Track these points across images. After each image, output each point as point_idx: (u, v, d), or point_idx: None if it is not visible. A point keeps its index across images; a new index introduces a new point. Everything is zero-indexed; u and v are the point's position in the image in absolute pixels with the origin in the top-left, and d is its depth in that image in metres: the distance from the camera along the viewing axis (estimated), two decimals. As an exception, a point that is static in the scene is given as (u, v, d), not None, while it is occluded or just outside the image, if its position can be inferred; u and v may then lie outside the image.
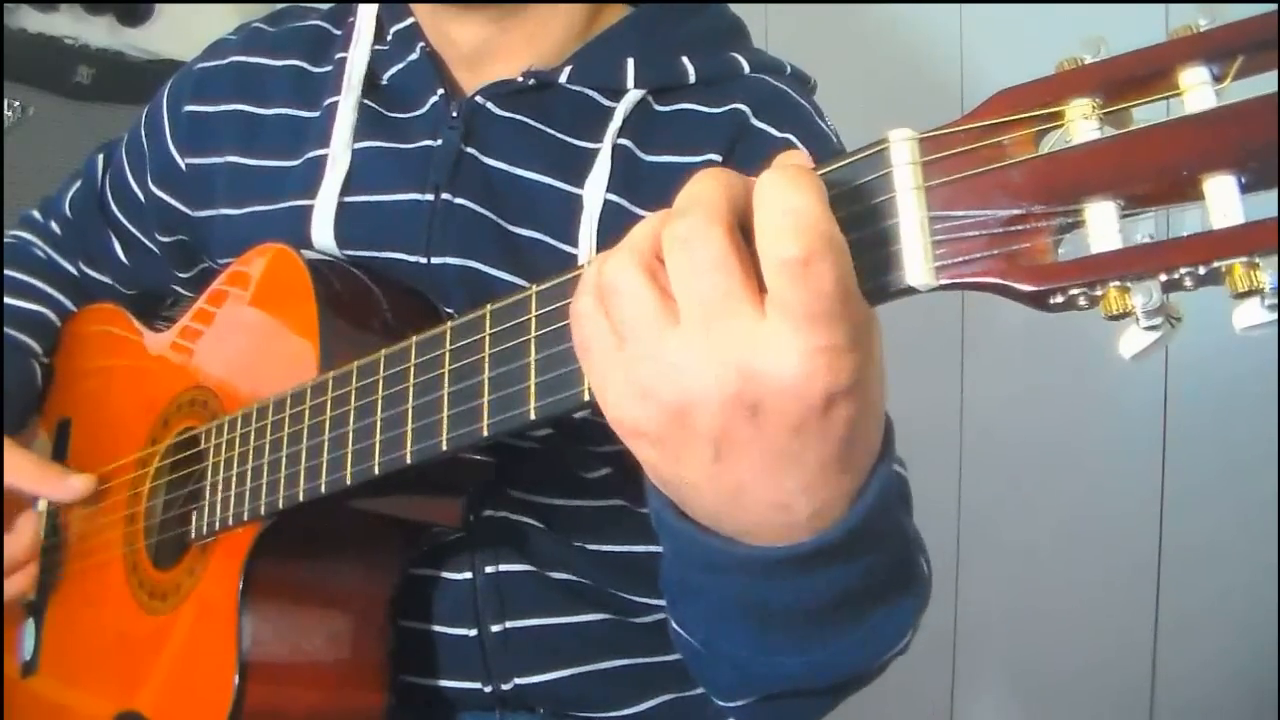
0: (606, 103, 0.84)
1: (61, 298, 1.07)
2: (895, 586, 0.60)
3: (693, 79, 0.85)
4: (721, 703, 0.71)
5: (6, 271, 1.06)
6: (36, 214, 1.12)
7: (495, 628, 0.83)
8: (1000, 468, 1.86)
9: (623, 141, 0.83)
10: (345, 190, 0.85)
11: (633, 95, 0.84)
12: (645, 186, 0.82)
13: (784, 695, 0.66)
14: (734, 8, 0.93)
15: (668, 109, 0.85)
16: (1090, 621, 1.82)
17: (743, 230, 0.46)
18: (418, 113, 0.87)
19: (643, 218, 0.80)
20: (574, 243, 0.81)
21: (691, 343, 0.46)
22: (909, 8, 1.99)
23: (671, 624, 0.68)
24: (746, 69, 0.87)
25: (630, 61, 0.85)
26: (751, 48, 0.90)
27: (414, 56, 0.88)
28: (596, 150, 0.83)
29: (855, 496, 0.51)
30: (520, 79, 0.85)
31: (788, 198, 0.44)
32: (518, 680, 0.83)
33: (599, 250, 0.80)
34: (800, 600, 0.56)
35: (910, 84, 1.97)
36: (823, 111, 0.88)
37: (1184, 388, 1.73)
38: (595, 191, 0.82)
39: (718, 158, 0.82)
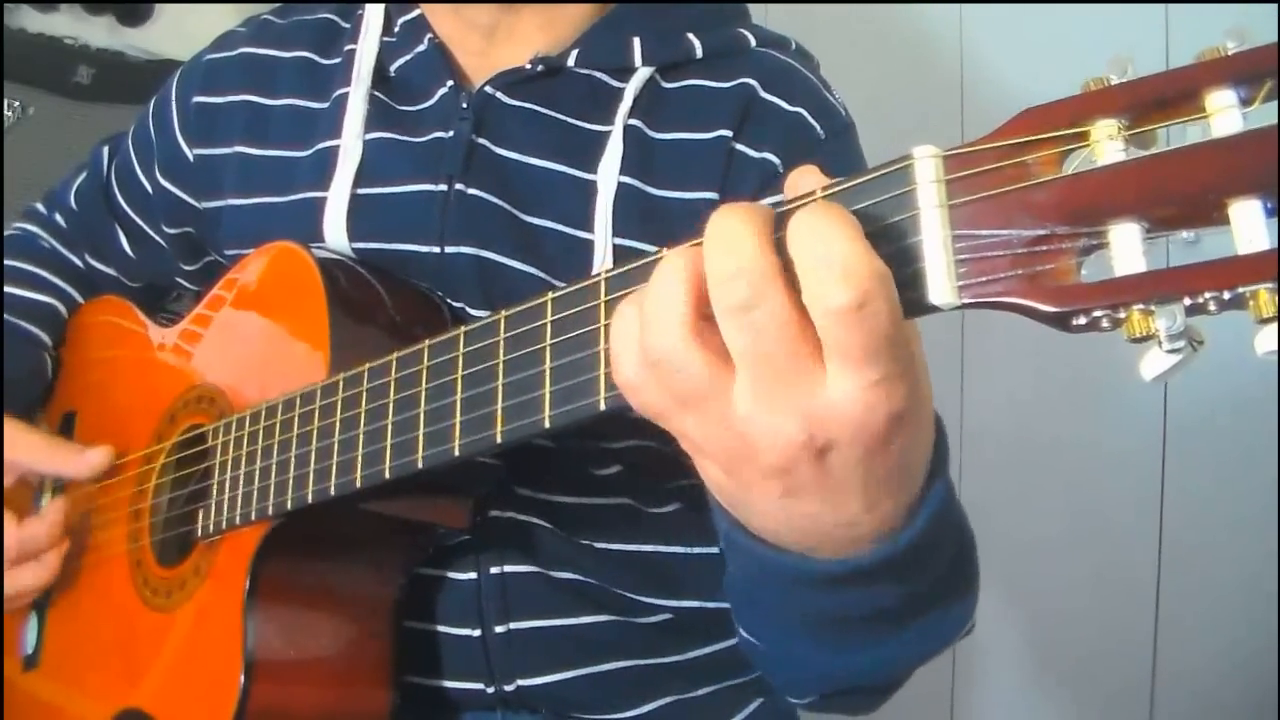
0: (615, 83, 0.85)
1: (69, 289, 1.07)
2: (959, 582, 0.62)
3: (700, 54, 0.85)
4: (789, 698, 0.73)
5: (15, 262, 1.05)
6: (40, 206, 1.11)
7: (499, 629, 0.83)
8: (1000, 468, 1.87)
9: (633, 122, 0.83)
10: (358, 182, 0.85)
11: (641, 74, 0.84)
12: (657, 166, 0.83)
13: (850, 691, 0.68)
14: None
15: (676, 86, 0.85)
16: (1090, 620, 1.82)
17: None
18: (427, 104, 0.87)
19: (656, 198, 0.81)
20: (589, 228, 0.81)
21: (756, 400, 0.46)
22: (909, 8, 1.99)
23: (739, 629, 0.69)
24: (753, 43, 0.88)
25: (636, 40, 0.85)
26: (754, 25, 0.90)
27: (422, 48, 0.88)
28: (608, 133, 0.83)
29: (916, 504, 0.52)
30: (529, 66, 0.85)
31: (829, 248, 0.43)
32: (520, 681, 0.83)
33: (614, 234, 0.81)
34: (870, 607, 0.57)
35: (910, 84, 1.97)
36: (830, 85, 0.88)
37: (1184, 387, 1.73)
38: (608, 175, 0.82)
39: (728, 133, 0.83)
